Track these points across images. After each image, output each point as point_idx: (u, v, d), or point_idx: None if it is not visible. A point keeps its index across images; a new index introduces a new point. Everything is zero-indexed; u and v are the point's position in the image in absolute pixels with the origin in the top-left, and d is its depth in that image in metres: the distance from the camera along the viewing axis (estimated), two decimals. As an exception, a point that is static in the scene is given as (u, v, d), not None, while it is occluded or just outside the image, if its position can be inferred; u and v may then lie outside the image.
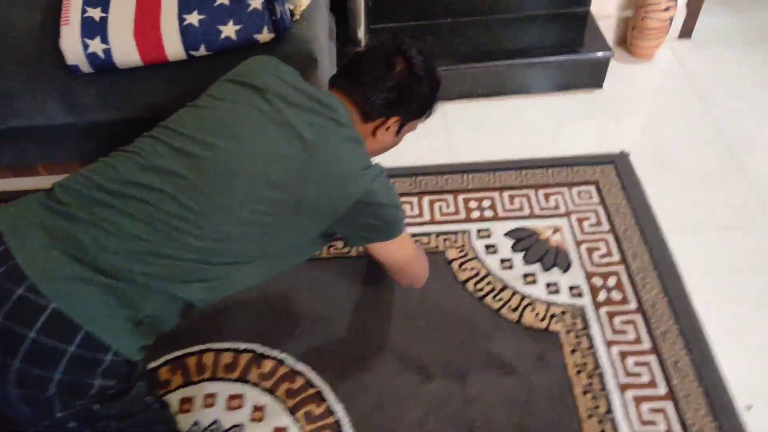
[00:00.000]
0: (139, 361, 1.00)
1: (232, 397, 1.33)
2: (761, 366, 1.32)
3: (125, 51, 1.44)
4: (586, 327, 1.39)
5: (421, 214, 1.63)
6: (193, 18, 1.45)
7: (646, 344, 1.36)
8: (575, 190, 1.67)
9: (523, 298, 1.45)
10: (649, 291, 1.44)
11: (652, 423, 1.24)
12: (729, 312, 1.40)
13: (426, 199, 1.67)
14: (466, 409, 1.27)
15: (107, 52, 1.43)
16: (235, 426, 1.28)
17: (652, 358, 1.33)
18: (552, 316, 1.41)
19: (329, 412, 1.29)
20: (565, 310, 1.42)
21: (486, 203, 1.65)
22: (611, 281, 1.47)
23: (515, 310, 1.43)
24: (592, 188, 1.67)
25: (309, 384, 1.33)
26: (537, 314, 1.42)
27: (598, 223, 1.59)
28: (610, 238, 1.55)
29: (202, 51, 1.46)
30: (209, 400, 1.32)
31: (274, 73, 1.13)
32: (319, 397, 1.31)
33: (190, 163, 1.00)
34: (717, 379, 1.29)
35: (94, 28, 1.43)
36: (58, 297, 0.89)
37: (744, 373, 1.30)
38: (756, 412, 1.24)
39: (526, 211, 1.63)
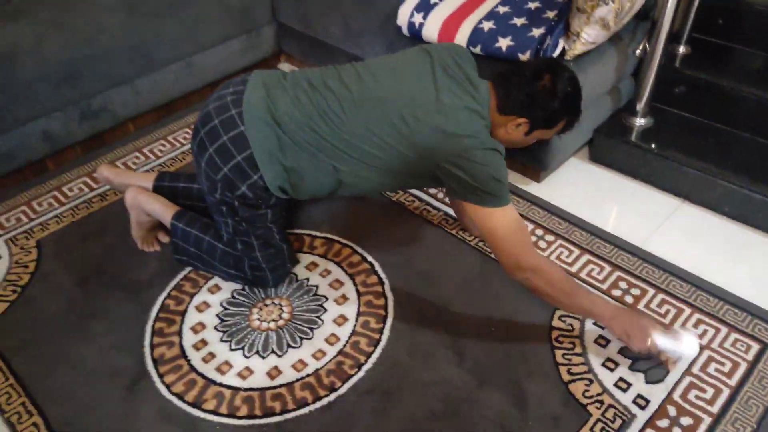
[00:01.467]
0: (273, 195, 1.47)
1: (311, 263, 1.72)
2: None
3: (431, 29, 1.90)
4: (619, 430, 1.31)
5: (572, 266, 1.70)
6: (487, 25, 1.82)
7: (663, 486, 1.22)
8: (735, 336, 1.49)
9: (589, 371, 1.43)
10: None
11: None
12: None
13: (592, 261, 1.71)
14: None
15: (421, 25, 1.92)
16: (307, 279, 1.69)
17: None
18: (598, 401, 1.37)
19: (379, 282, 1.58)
20: (615, 406, 1.36)
21: (635, 291, 1.61)
22: (685, 421, 1.32)
23: (572, 374, 1.43)
24: (754, 346, 1.46)
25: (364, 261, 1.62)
26: (587, 391, 1.39)
27: (727, 374, 1.41)
28: (726, 391, 1.37)
29: (478, 50, 1.84)
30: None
31: (454, 55, 1.44)
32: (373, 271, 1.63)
33: (359, 86, 1.42)
34: None
35: (424, 7, 1.94)
36: (248, 126, 1.41)
37: None
38: None
39: (667, 320, 1.53)
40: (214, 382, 1.46)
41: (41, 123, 2.01)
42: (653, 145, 1.93)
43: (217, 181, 1.47)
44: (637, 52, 1.91)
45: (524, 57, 1.76)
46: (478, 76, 1.44)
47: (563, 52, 1.78)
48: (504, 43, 1.78)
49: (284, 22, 2.47)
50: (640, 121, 1.99)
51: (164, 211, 1.65)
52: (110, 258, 1.79)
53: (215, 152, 1.45)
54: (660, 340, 1.34)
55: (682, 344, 1.36)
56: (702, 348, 1.47)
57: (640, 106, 1.97)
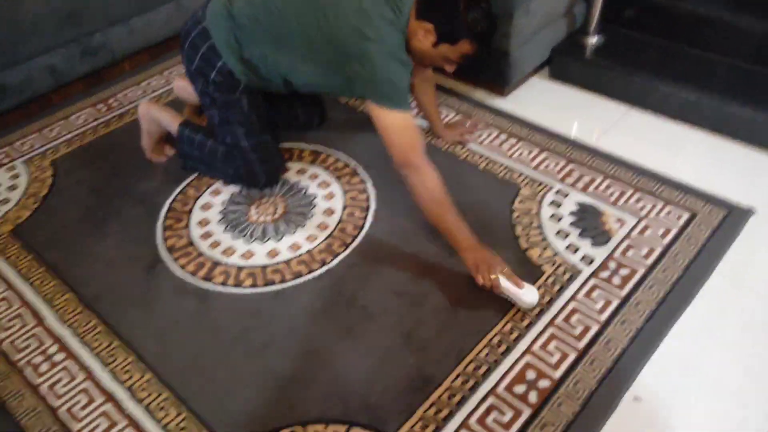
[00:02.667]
0: (241, 82, 1.69)
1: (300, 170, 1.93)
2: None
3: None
4: (568, 281, 1.56)
5: (532, 162, 1.92)
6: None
7: (603, 317, 1.47)
8: (670, 207, 1.73)
9: (544, 239, 1.67)
10: (647, 299, 1.51)
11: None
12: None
13: (551, 157, 1.94)
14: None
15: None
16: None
17: (594, 328, 1.45)
18: (552, 263, 1.61)
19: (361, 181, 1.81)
20: (564, 265, 1.60)
21: (586, 179, 1.85)
22: (624, 272, 1.57)
23: (529, 242, 1.66)
24: (685, 214, 1.71)
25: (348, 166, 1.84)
26: (541, 255, 1.63)
27: (662, 236, 1.65)
28: (657, 252, 1.62)
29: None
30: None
31: None
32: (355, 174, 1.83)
33: None
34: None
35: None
36: (209, 22, 1.64)
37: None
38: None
39: (611, 199, 1.78)
40: (220, 263, 1.68)
41: (46, 58, 2.19)
42: (604, 60, 2.16)
43: (194, 72, 1.71)
44: (586, -27, 2.12)
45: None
46: None
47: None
48: (467, -33, 1.98)
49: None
50: (592, 39, 2.22)
51: (172, 120, 1.87)
52: (119, 173, 1.99)
53: (188, 48, 1.69)
54: (503, 282, 1.47)
55: (521, 292, 1.47)
56: (639, 220, 1.71)
57: (591, 26, 2.19)
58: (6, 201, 1.92)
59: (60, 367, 1.47)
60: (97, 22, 2.26)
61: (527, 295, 1.47)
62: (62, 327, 1.55)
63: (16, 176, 2.01)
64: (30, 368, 1.47)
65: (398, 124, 1.51)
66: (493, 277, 1.47)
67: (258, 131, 1.78)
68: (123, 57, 2.41)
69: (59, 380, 1.44)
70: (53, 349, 1.51)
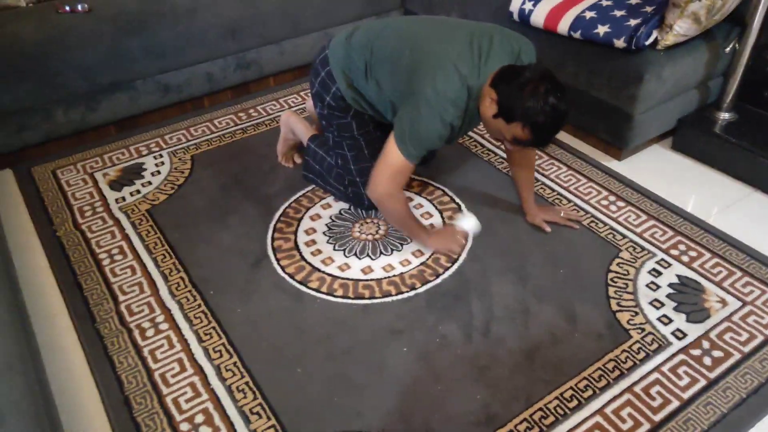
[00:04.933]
0: (351, 106, 1.82)
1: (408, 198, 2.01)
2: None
3: (538, 15, 2.18)
4: (655, 352, 1.51)
5: (638, 227, 1.89)
6: (589, 14, 2.08)
7: (686, 395, 1.41)
8: (779, 297, 1.64)
9: (636, 305, 1.63)
10: (738, 386, 1.43)
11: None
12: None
13: (658, 226, 1.90)
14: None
15: (530, 12, 2.20)
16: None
17: (675, 404, 1.39)
18: (640, 328, 1.57)
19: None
20: (653, 334, 1.56)
21: (692, 254, 1.79)
22: (717, 353, 1.50)
23: (621, 306, 1.63)
24: (797, 307, 1.61)
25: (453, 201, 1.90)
26: (631, 320, 1.60)
27: (765, 325, 1.56)
28: (758, 341, 1.53)
29: (578, 35, 2.09)
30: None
31: (500, 38, 1.58)
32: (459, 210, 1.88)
33: (408, 24, 1.72)
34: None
35: (536, -3, 2.22)
36: (330, 50, 1.79)
37: None
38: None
39: (716, 278, 1.71)
40: (318, 270, 1.80)
41: (206, 66, 2.48)
42: (733, 138, 2.09)
43: (315, 95, 1.87)
44: (726, 49, 2.08)
45: (619, 42, 1.99)
46: (508, 60, 1.56)
47: (656, 41, 1.99)
48: (602, 29, 2.02)
49: (410, 8, 2.83)
50: (724, 115, 2.16)
51: (305, 132, 2.07)
52: (247, 175, 2.20)
53: (312, 72, 1.86)
54: (467, 228, 1.82)
55: (467, 221, 1.82)
56: (744, 304, 1.63)
57: (725, 101, 2.13)
58: (149, 183, 2.18)
59: (163, 335, 1.63)
60: (254, 40, 2.53)
61: (475, 223, 1.82)
62: (171, 300, 1.73)
63: (161, 164, 2.28)
64: (138, 331, 1.65)
65: (395, 163, 1.62)
66: (458, 243, 1.81)
67: (366, 156, 1.90)
68: (270, 73, 2.67)
69: (160, 346, 1.61)
70: (160, 318, 1.68)
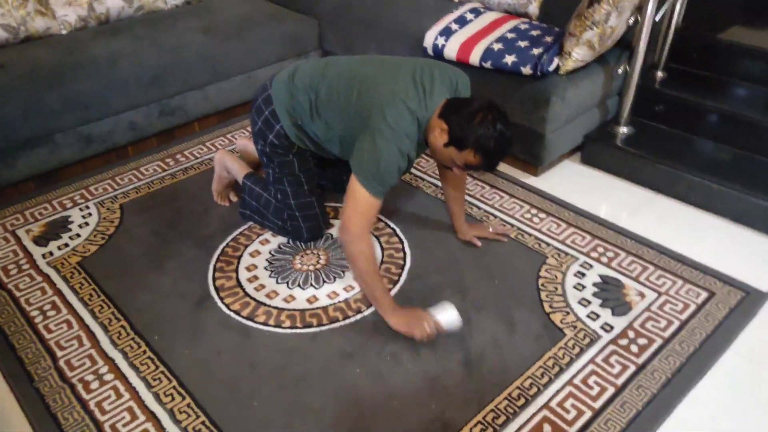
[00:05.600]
0: (294, 144, 1.86)
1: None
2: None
3: (451, 49, 2.34)
4: (588, 345, 1.63)
5: (560, 236, 2.05)
6: (496, 46, 2.27)
7: (619, 381, 1.53)
8: (689, 286, 1.81)
9: (566, 305, 1.76)
10: (663, 368, 1.57)
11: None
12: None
13: (578, 233, 2.06)
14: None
15: (443, 46, 2.36)
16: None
17: (611, 390, 1.51)
18: (572, 326, 1.69)
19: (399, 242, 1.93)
20: (584, 330, 1.68)
21: (610, 254, 1.95)
22: (642, 341, 1.64)
23: (553, 308, 1.76)
24: (703, 293, 1.79)
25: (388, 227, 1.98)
26: (563, 320, 1.72)
27: (680, 311, 1.73)
28: (675, 326, 1.69)
29: (488, 65, 2.27)
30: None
31: (439, 72, 1.67)
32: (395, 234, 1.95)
33: (349, 64, 1.77)
34: None
35: (447, 33, 2.38)
36: (273, 89, 1.83)
37: None
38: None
39: (633, 274, 1.87)
40: (264, 304, 1.82)
41: (129, 115, 2.47)
42: (633, 149, 2.31)
43: (256, 133, 1.91)
44: (619, 71, 2.32)
45: (526, 70, 2.17)
46: (448, 93, 1.66)
47: (558, 68, 2.20)
48: (509, 59, 2.20)
49: (329, 48, 2.95)
50: (623, 129, 2.39)
51: (240, 170, 2.10)
52: (180, 218, 2.20)
53: (254, 111, 1.90)
54: (443, 322, 1.62)
55: (452, 320, 1.63)
56: (660, 295, 1.80)
57: (622, 117, 2.37)
58: (77, 236, 2.13)
59: (109, 385, 1.60)
60: (177, 87, 2.55)
61: (454, 318, 1.62)
62: (114, 350, 1.69)
63: (88, 215, 2.23)
64: (81, 385, 1.60)
65: (362, 202, 1.61)
66: (428, 328, 1.62)
67: (306, 192, 1.96)
68: (195, 118, 2.69)
69: (107, 397, 1.57)
70: (104, 369, 1.64)
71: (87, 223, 2.19)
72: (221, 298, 1.85)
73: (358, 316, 1.76)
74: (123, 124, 2.46)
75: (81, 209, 2.27)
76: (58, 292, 1.89)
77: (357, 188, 1.61)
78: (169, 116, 2.58)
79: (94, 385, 1.60)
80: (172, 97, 2.56)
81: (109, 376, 1.62)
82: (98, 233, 2.14)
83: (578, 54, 2.16)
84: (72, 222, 2.20)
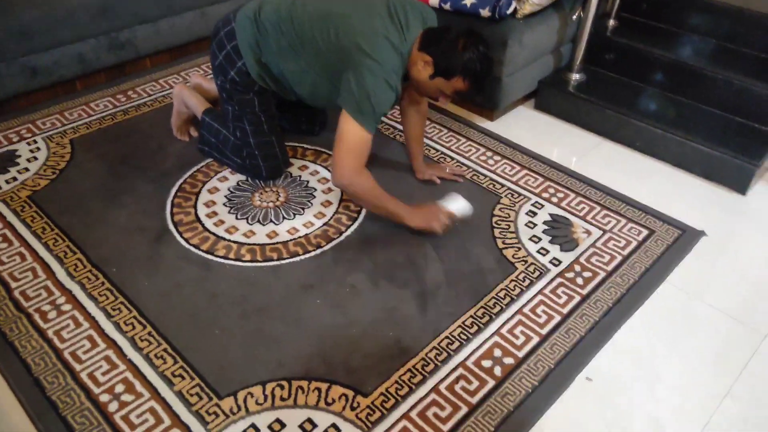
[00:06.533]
0: (255, 82, 1.84)
1: (303, 166, 2.10)
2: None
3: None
4: (537, 278, 1.73)
5: (513, 177, 2.12)
6: (455, -12, 2.26)
7: (565, 310, 1.64)
8: (631, 224, 1.93)
9: (518, 242, 1.85)
10: (605, 298, 1.68)
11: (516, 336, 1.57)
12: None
13: (530, 175, 2.14)
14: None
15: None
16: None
17: (557, 318, 1.62)
18: (524, 262, 1.78)
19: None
20: (534, 264, 1.78)
21: (560, 195, 2.04)
22: (587, 274, 1.75)
23: (505, 242, 1.84)
24: (644, 231, 1.91)
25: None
26: (515, 255, 1.81)
27: (623, 247, 1.84)
28: (618, 260, 1.81)
29: (447, 6, 2.27)
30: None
31: (410, 7, 1.70)
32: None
33: (323, 3, 1.73)
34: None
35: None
36: (237, 24, 1.79)
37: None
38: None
39: (580, 213, 1.97)
40: (224, 239, 1.83)
41: (77, 47, 2.37)
42: (584, 95, 2.39)
43: (216, 68, 1.88)
44: (574, 17, 2.37)
45: (484, 12, 2.20)
46: (421, 26, 1.68)
47: (515, 11, 2.23)
48: (469, 1, 2.22)
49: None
50: (575, 76, 2.46)
51: (199, 105, 2.07)
52: (135, 155, 2.16)
53: (215, 45, 1.86)
54: (455, 210, 1.78)
55: (462, 207, 1.79)
56: (604, 233, 1.91)
57: (575, 63, 2.43)
58: (26, 170, 2.07)
59: (67, 315, 1.59)
60: (127, 19, 2.45)
61: (464, 205, 1.79)
62: (71, 282, 1.68)
63: (36, 149, 2.16)
64: (38, 315, 1.59)
65: (356, 139, 1.64)
66: (445, 218, 1.75)
67: (266, 131, 1.95)
68: (146, 54, 2.60)
69: (66, 326, 1.56)
70: (61, 300, 1.63)
71: (36, 158, 2.13)
72: (180, 233, 1.85)
73: (318, 251, 1.80)
74: (70, 56, 2.37)
75: (29, 143, 2.19)
76: (9, 226, 1.85)
77: (350, 126, 1.62)
78: (118, 50, 2.49)
79: (52, 314, 1.59)
80: (122, 30, 2.46)
81: (66, 307, 1.61)
82: (48, 168, 2.08)
83: (535, -1, 2.19)
84: (20, 156, 2.13)
